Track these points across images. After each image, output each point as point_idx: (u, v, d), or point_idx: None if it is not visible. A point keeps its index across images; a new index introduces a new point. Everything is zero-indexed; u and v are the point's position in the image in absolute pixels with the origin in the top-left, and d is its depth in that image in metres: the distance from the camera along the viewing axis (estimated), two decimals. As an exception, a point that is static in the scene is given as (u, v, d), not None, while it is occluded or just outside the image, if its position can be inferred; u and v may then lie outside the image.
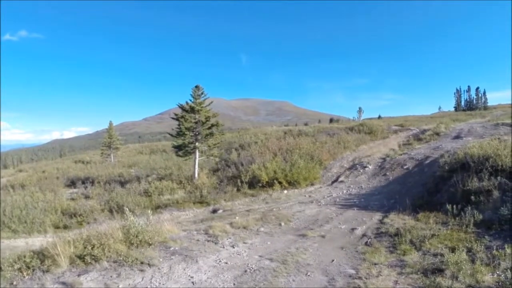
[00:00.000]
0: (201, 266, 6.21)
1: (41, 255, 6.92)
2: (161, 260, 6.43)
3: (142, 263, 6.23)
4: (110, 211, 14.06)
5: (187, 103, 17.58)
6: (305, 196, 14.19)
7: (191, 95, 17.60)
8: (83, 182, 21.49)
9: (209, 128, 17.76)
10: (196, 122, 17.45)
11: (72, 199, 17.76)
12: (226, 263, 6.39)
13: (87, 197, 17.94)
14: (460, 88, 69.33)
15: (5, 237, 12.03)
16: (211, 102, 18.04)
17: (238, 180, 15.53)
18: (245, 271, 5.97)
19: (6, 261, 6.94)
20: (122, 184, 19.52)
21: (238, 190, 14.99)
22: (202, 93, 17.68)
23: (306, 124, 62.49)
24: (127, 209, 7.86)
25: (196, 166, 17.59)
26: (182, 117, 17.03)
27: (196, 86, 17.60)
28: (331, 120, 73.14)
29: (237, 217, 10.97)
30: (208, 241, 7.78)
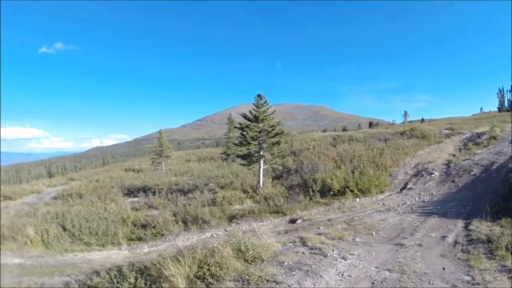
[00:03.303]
0: (328, 280, 6.10)
1: (148, 275, 6.88)
2: (284, 276, 6.29)
3: (267, 280, 6.10)
4: (184, 222, 14.00)
5: (250, 112, 17.71)
6: (378, 204, 13.95)
7: (254, 104, 17.68)
8: (143, 191, 21.71)
9: (274, 136, 17.78)
10: (260, 131, 17.56)
11: (136, 209, 17.50)
12: (350, 275, 6.34)
13: (150, 206, 17.73)
14: (502, 88, 65.78)
15: (78, 250, 12.03)
16: (274, 111, 18.05)
17: (310, 189, 15.42)
18: (373, 283, 5.98)
19: (105, 281, 7.00)
20: (184, 193, 19.65)
21: (310, 199, 14.89)
22: (265, 102, 17.71)
23: (344, 130, 61.76)
24: (240, 235, 7.65)
25: (261, 175, 17.59)
26: (247, 126, 17.18)
27: (259, 95, 17.66)
28: (370, 124, 71.70)
29: (321, 227, 10.97)
30: (314, 253, 7.71)
